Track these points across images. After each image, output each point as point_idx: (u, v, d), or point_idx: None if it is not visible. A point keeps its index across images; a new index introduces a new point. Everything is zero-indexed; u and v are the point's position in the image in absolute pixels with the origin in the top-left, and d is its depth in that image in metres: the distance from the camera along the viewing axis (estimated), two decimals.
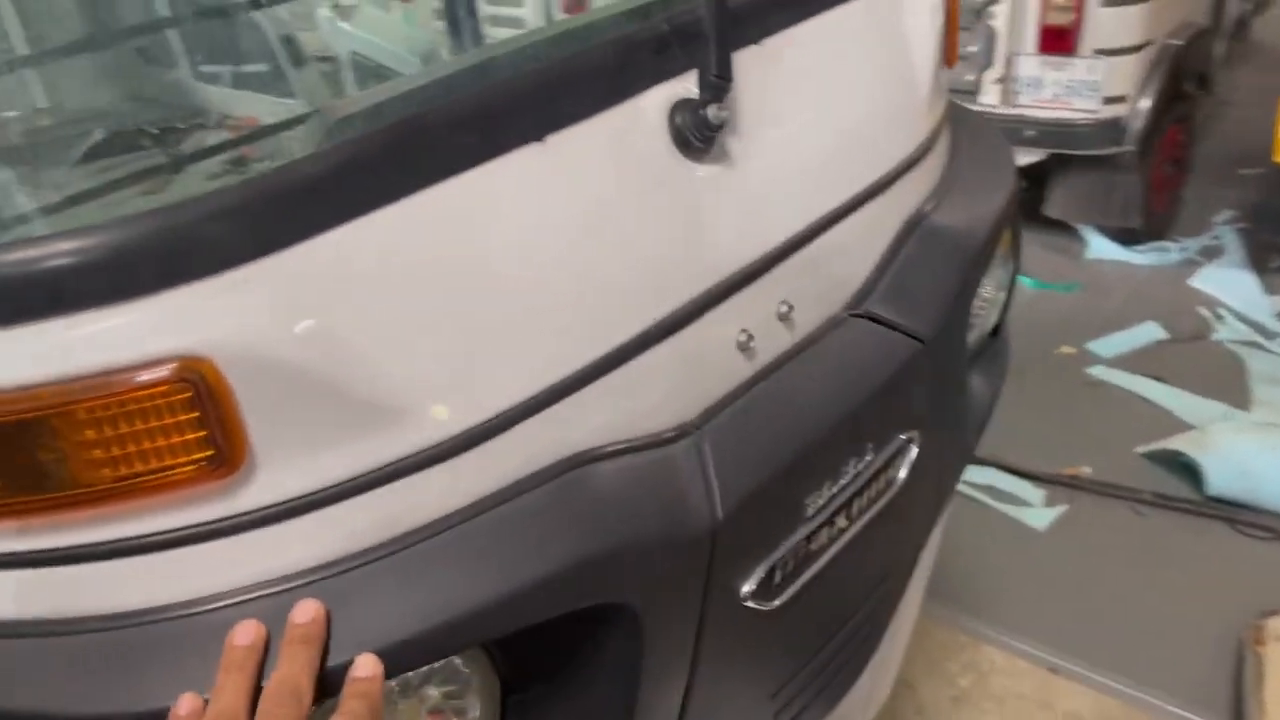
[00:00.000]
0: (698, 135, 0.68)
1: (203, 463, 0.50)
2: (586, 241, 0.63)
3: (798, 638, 0.80)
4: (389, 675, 0.56)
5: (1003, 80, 3.13)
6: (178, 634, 0.52)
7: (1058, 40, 2.99)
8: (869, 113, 0.83)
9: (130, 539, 0.51)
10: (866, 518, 0.81)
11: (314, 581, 0.54)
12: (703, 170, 0.70)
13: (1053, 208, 3.35)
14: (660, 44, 0.68)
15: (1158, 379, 2.75)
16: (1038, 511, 2.33)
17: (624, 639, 0.64)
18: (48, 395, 0.47)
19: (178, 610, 0.52)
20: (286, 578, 0.54)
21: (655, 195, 0.67)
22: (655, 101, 0.68)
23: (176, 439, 0.49)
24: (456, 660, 0.62)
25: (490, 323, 0.59)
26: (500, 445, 0.59)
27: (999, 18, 3.07)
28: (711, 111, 0.67)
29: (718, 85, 0.67)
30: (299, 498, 0.53)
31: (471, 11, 1.77)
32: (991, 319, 1.07)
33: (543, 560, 0.58)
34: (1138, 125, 3.06)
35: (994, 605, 2.08)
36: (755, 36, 0.75)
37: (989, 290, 1.05)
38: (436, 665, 0.62)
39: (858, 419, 0.77)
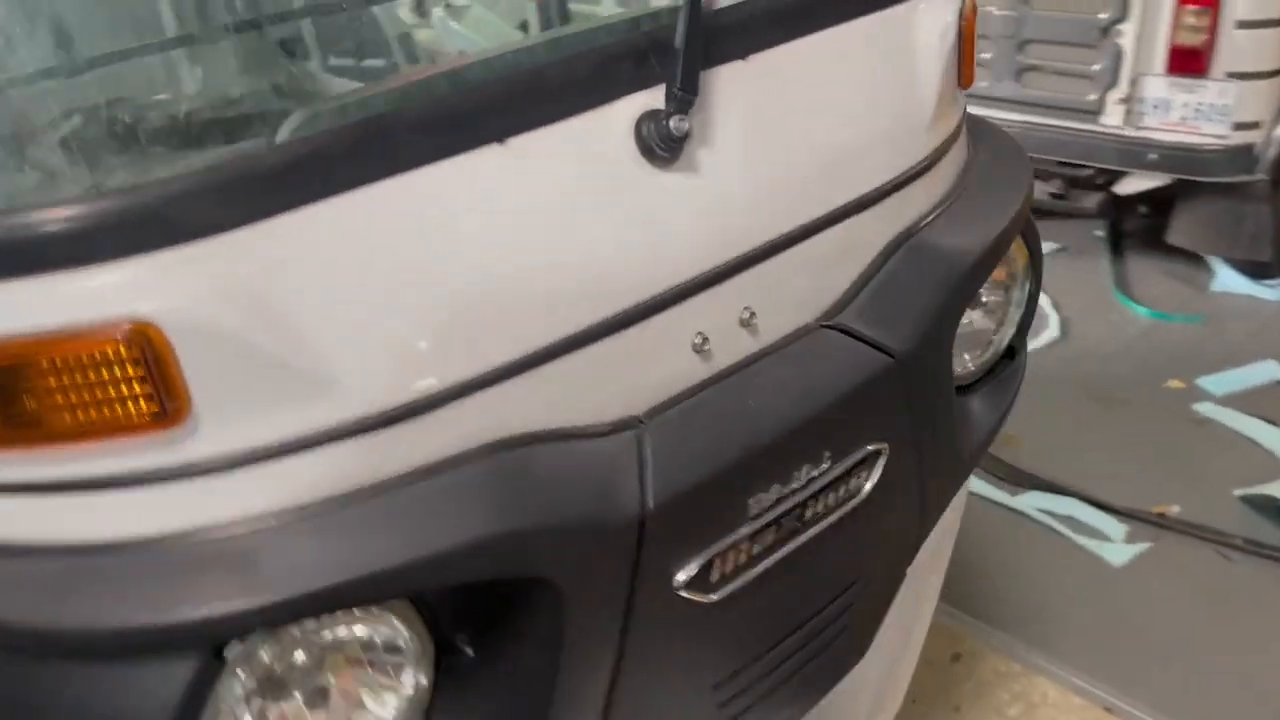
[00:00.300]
0: (661, 145, 0.72)
1: (148, 415, 0.57)
2: (537, 238, 0.68)
3: (744, 633, 0.83)
4: (317, 615, 0.62)
5: (1127, 101, 3.02)
6: (125, 566, 0.59)
7: (1188, 61, 2.88)
8: (856, 131, 0.84)
9: (87, 478, 0.58)
10: (824, 524, 0.83)
11: (250, 530, 0.60)
12: (667, 178, 0.73)
13: (1176, 235, 3.22)
14: (637, 57, 0.72)
15: (1269, 421, 2.62)
16: (1117, 547, 2.25)
17: (547, 613, 0.68)
18: (17, 346, 0.54)
19: (130, 548, 0.60)
20: (224, 524, 0.60)
21: (614, 199, 0.71)
22: (625, 111, 0.72)
23: (125, 392, 0.56)
24: (396, 623, 0.68)
25: (431, 307, 0.64)
26: (433, 422, 0.64)
27: (1126, 36, 2.96)
28: (673, 123, 0.71)
29: (682, 98, 0.71)
30: (240, 453, 0.60)
31: (564, 13, 1.84)
32: (1005, 339, 1.06)
33: (462, 529, 0.63)
34: (1271, 153, 2.91)
35: (1056, 638, 2.03)
36: (741, 52, 0.78)
37: (1002, 311, 1.05)
38: (379, 630, 0.68)
39: (814, 426, 0.79)
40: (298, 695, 0.66)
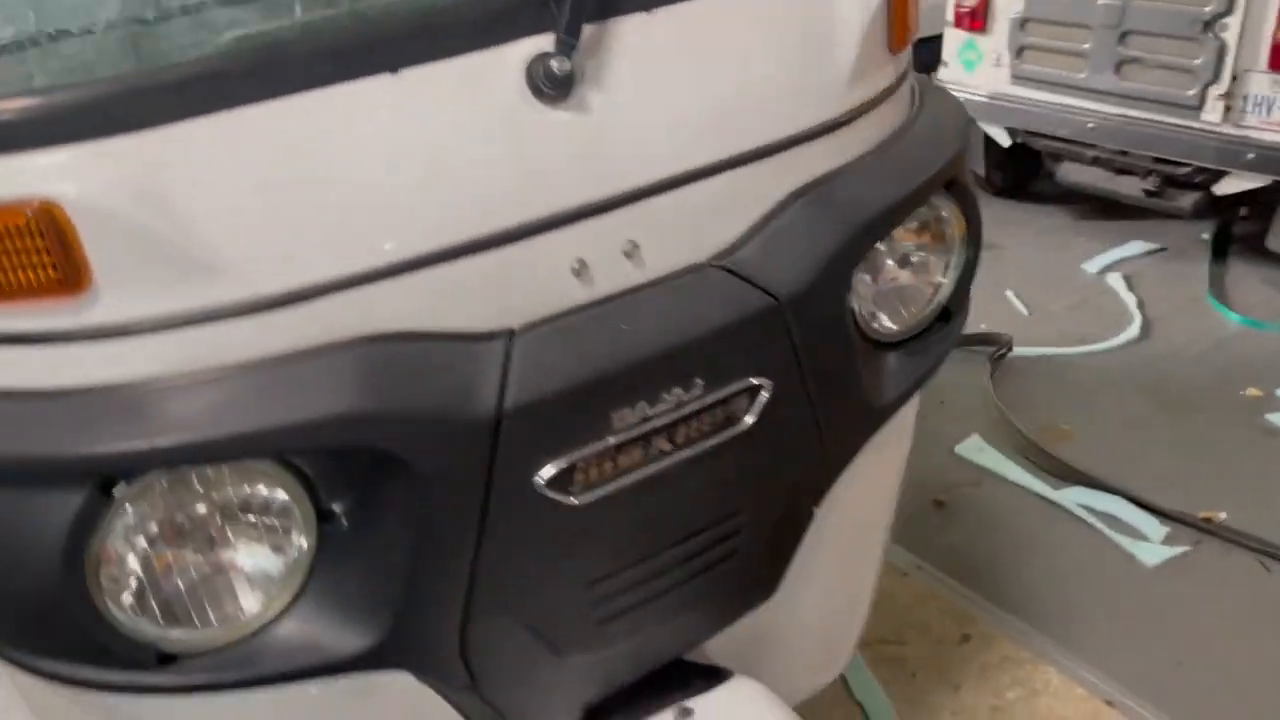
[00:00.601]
0: (547, 84, 0.79)
1: (53, 281, 0.68)
2: (421, 157, 0.77)
3: (616, 538, 0.90)
4: (195, 463, 0.73)
5: (1228, 97, 2.92)
6: (27, 408, 0.71)
7: None
8: (758, 85, 0.90)
9: (6, 333, 0.70)
10: (699, 449, 0.90)
11: (138, 387, 0.71)
12: (555, 115, 0.81)
13: (1276, 241, 3.09)
14: (538, 3, 0.80)
15: None
16: (1152, 548, 2.21)
17: (408, 492, 0.78)
18: None
19: (32, 395, 0.71)
20: (116, 382, 0.71)
21: (500, 130, 0.79)
22: (520, 52, 0.80)
23: (34, 260, 0.67)
24: (278, 488, 0.79)
25: (312, 211, 0.74)
26: (309, 311, 0.74)
27: (1230, 30, 2.86)
28: (555, 64, 0.79)
29: (565, 42, 0.78)
30: (134, 322, 0.71)
31: None
32: (939, 301, 1.10)
33: (325, 403, 0.72)
34: None
35: (1071, 629, 2.02)
36: (646, 5, 0.85)
37: (935, 273, 1.09)
38: (260, 490, 0.78)
39: (685, 354, 0.85)
40: (185, 543, 0.77)
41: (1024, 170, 3.90)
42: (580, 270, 0.83)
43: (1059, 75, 3.29)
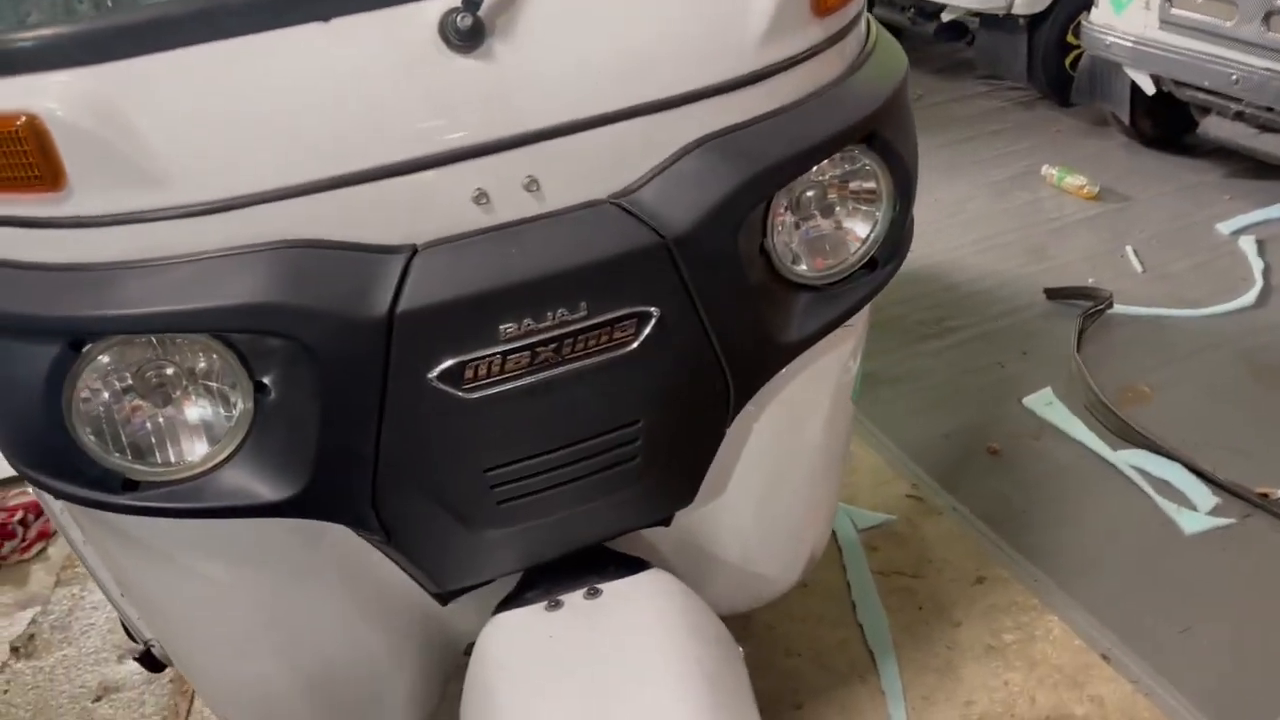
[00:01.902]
0: (455, 37, 0.93)
1: (37, 179, 0.88)
2: (341, 95, 0.92)
3: (510, 432, 1.04)
4: (142, 331, 0.93)
5: None
6: (21, 279, 0.91)
7: None
8: (665, 39, 0.98)
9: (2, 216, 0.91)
10: (589, 362, 1.03)
11: (101, 268, 0.91)
12: (463, 62, 0.94)
13: None
14: None
15: None
16: (1196, 517, 2.19)
17: (315, 373, 0.95)
18: None
19: (19, 264, 0.91)
20: (85, 263, 0.91)
21: (412, 73, 0.93)
22: (437, 7, 0.93)
23: (22, 161, 0.87)
24: (222, 364, 0.97)
25: (244, 135, 0.90)
26: (238, 218, 0.91)
27: None
28: (459, 19, 0.92)
29: (470, 2, 0.92)
30: (100, 216, 0.90)
31: None
32: (864, 252, 1.17)
33: (242, 292, 0.90)
34: None
35: (1089, 584, 2.05)
36: None
37: (863, 226, 1.17)
38: (212, 365, 0.97)
39: (571, 278, 0.97)
40: (147, 396, 0.98)
41: (1174, 121, 3.71)
42: (481, 199, 0.97)
43: (1207, 23, 3.11)
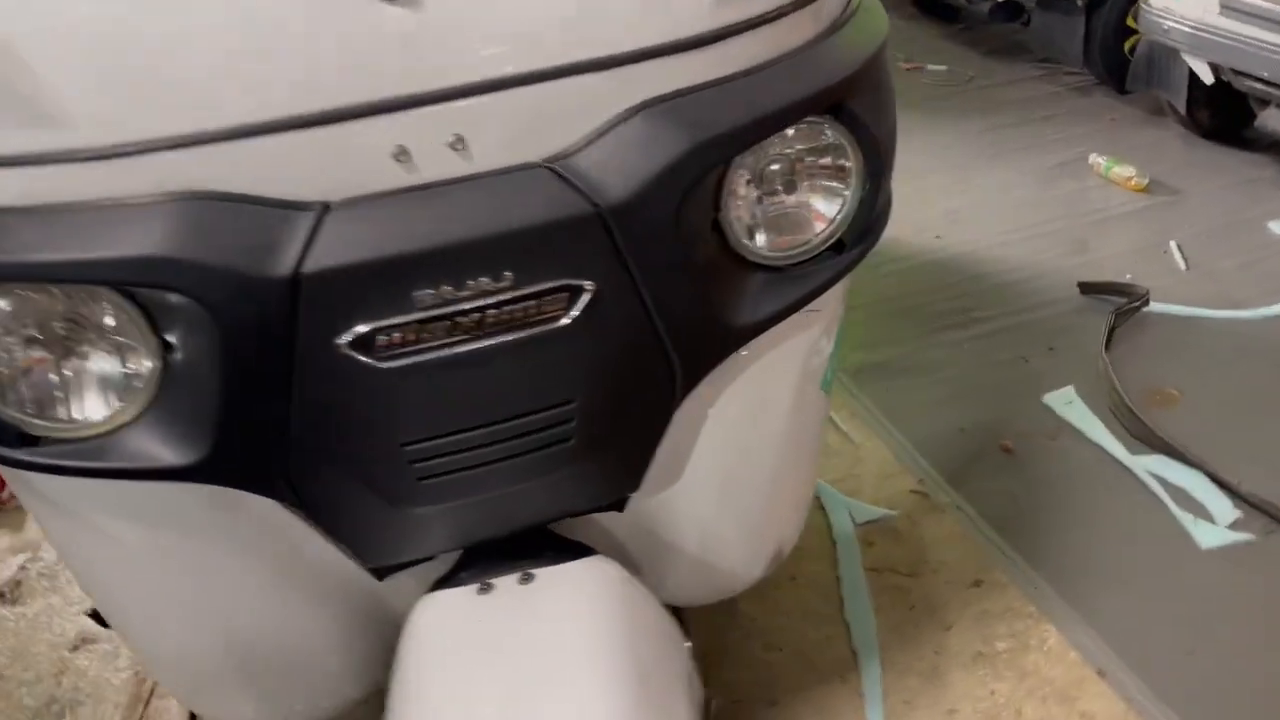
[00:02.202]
0: None
1: None
2: (252, 39, 0.86)
3: (430, 406, 0.99)
4: (35, 280, 0.88)
5: None
6: None
7: None
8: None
9: None
10: (517, 336, 0.96)
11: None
12: (389, 11, 0.88)
13: None
14: None
15: None
16: (1213, 530, 2.08)
17: (216, 334, 0.90)
18: None
19: None
20: None
21: (333, 21, 0.87)
22: None
23: None
24: (127, 320, 0.92)
25: (148, 77, 0.85)
26: (136, 165, 0.86)
27: None
28: None
29: None
30: None
31: None
32: (831, 233, 1.09)
33: (135, 243, 0.85)
34: None
35: (1091, 596, 1.95)
36: None
37: (828, 205, 1.08)
38: (116, 321, 0.92)
39: (493, 245, 0.91)
40: (49, 350, 0.93)
41: (1232, 112, 3.54)
42: (402, 156, 0.91)
43: (1269, 9, 2.94)
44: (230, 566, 1.14)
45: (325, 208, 0.90)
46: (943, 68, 4.87)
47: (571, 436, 1.07)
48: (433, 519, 1.10)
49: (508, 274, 0.94)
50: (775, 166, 1.07)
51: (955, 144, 4.01)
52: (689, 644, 1.23)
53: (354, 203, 0.91)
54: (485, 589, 1.13)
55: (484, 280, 0.93)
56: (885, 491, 2.26)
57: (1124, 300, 2.79)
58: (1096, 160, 3.66)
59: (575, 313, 0.98)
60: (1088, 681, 1.79)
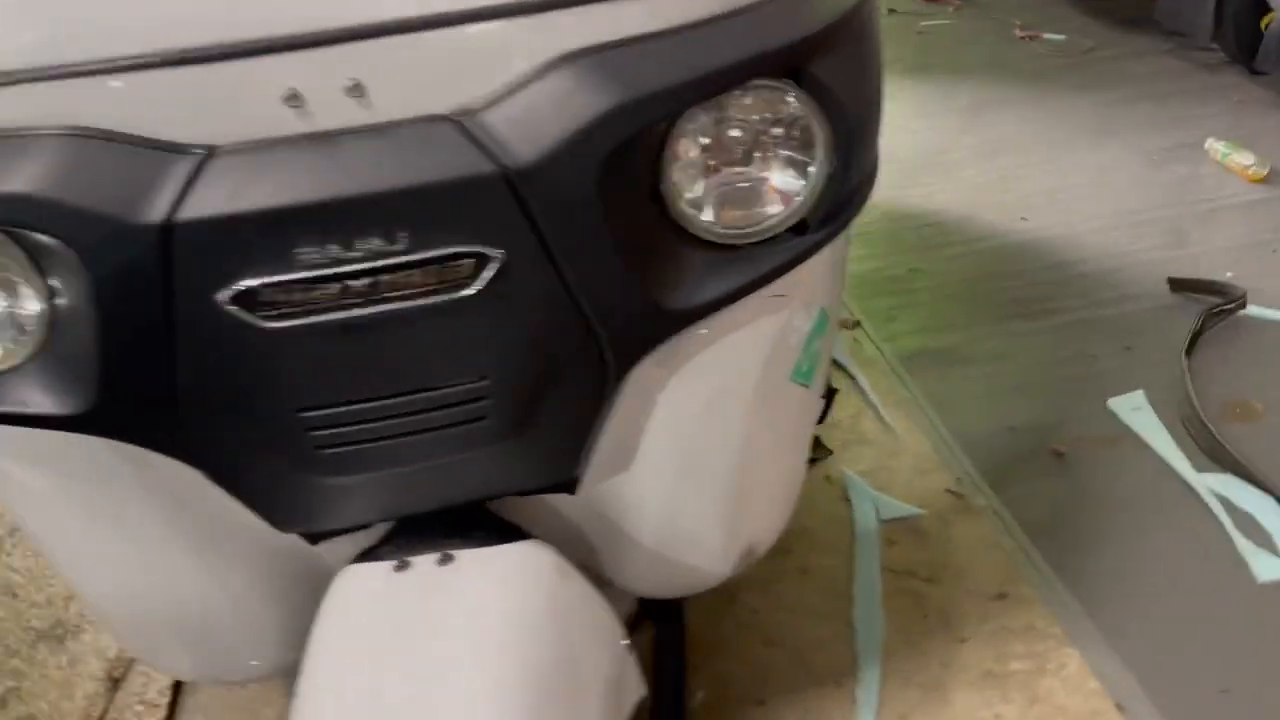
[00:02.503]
0: None
1: None
2: None
3: (326, 373, 0.92)
4: None
5: None
6: None
7: None
8: None
9: None
10: (416, 304, 0.89)
11: None
12: None
13: None
14: None
15: None
16: (1275, 562, 1.89)
17: (91, 281, 0.85)
18: None
19: None
20: None
21: None
22: None
23: None
24: (18, 257, 0.88)
25: (28, 3, 0.80)
26: (13, 96, 0.81)
27: None
28: None
29: None
30: None
31: None
32: (792, 212, 0.98)
33: (5, 180, 0.80)
34: None
35: (1124, 622, 1.80)
36: None
37: (787, 179, 0.97)
38: (11, 262, 0.88)
39: (385, 204, 0.83)
40: None
41: None
42: (294, 100, 0.84)
43: None
44: (149, 520, 1.10)
45: (210, 153, 0.83)
46: (1060, 37, 4.56)
47: (487, 415, 0.99)
48: (348, 489, 1.04)
49: (403, 236, 0.86)
50: (735, 134, 0.96)
51: (1060, 119, 3.76)
52: (627, 642, 1.15)
53: (240, 149, 0.84)
54: (402, 566, 1.07)
55: (375, 241, 0.86)
56: (918, 488, 2.12)
57: (1217, 301, 2.56)
58: (1214, 145, 3.37)
59: (481, 284, 0.90)
60: (1104, 715, 1.65)
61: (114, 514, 1.09)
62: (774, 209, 0.98)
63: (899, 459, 2.20)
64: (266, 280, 0.86)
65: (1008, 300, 2.71)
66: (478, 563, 1.07)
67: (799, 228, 1.00)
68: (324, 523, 1.08)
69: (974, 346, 2.54)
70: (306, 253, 0.85)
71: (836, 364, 2.53)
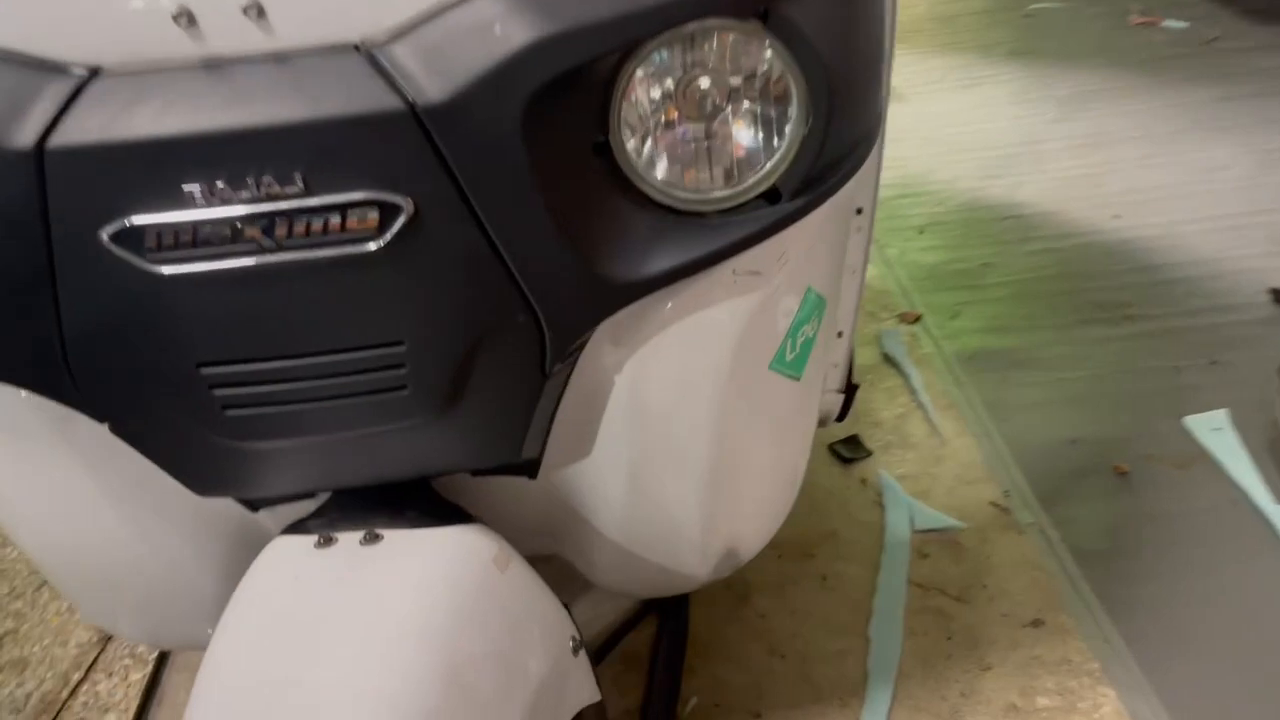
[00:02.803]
0: None
1: None
2: None
3: (223, 327, 0.83)
4: None
5: None
6: None
7: None
8: None
9: None
10: (317, 255, 0.79)
11: None
12: None
13: None
14: None
15: None
16: None
17: None
18: None
19: None
20: None
21: None
22: None
23: None
24: None
25: None
26: None
27: None
28: None
29: None
30: None
31: None
32: (762, 175, 0.85)
33: None
34: None
35: (1171, 666, 1.62)
36: None
37: (755, 139, 0.85)
38: None
39: (278, 140, 0.74)
40: None
41: None
42: (183, 19, 0.75)
43: None
44: (74, 478, 1.04)
45: (92, 75, 0.75)
46: (1182, 24, 4.25)
47: (408, 385, 0.89)
48: (268, 455, 0.96)
49: (298, 176, 0.77)
50: (701, 83, 0.84)
51: (1169, 113, 3.48)
52: (575, 642, 1.04)
53: (123, 71, 0.76)
54: (325, 542, 0.99)
55: (268, 181, 0.77)
56: (960, 499, 1.96)
57: None
58: None
59: (389, 237, 0.80)
60: None
61: (37, 470, 1.03)
62: (740, 173, 0.86)
63: (943, 465, 2.04)
64: (150, 219, 0.77)
65: (1086, 303, 2.51)
66: (405, 543, 0.98)
67: (771, 196, 0.87)
68: (245, 489, 1.00)
69: (1042, 350, 2.36)
70: (192, 188, 0.76)
71: (888, 359, 2.37)
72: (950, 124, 3.46)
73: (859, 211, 1.33)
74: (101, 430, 0.95)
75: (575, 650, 1.04)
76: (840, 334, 1.42)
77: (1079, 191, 3.04)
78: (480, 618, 0.94)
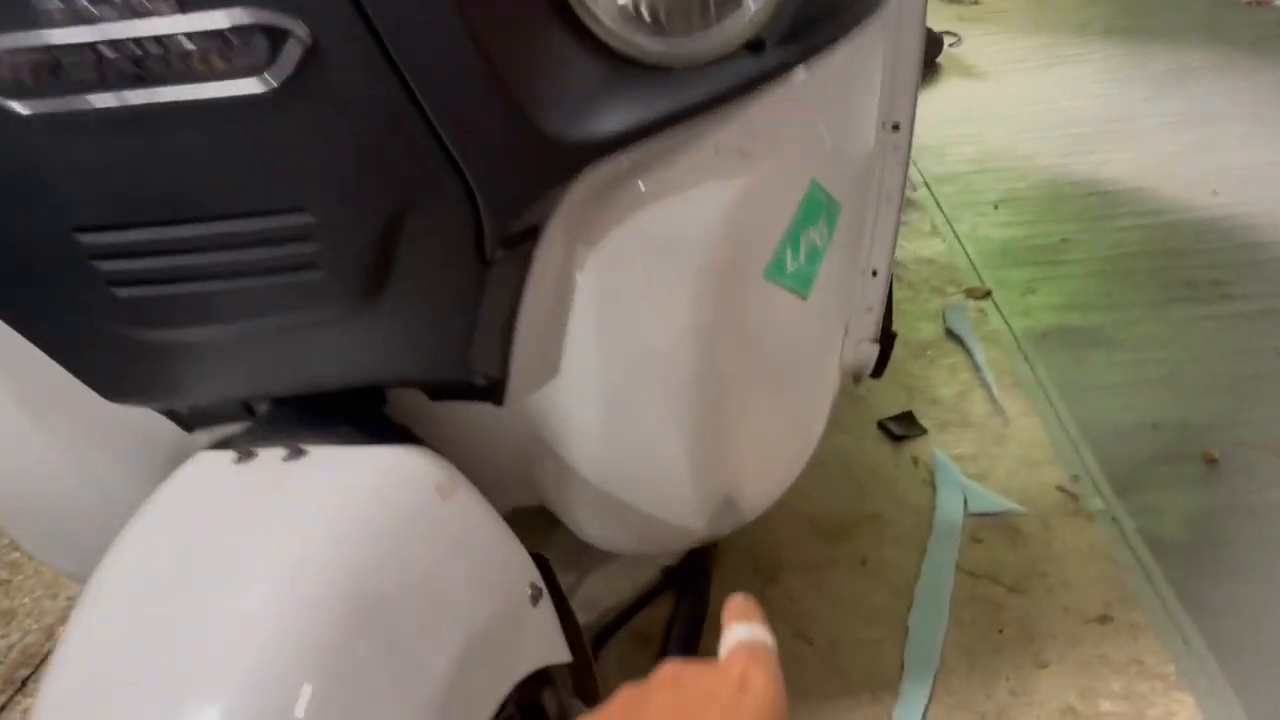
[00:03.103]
0: None
1: None
2: None
3: (99, 181, 0.71)
4: None
5: None
6: None
7: None
8: None
9: None
10: (199, 93, 0.67)
11: None
12: None
13: None
14: None
15: None
16: None
17: None
18: None
19: None
20: None
21: None
22: None
23: None
24: None
25: None
26: None
27: None
28: None
29: None
30: None
31: None
32: (742, 24, 0.70)
33: None
34: None
35: (1264, 674, 1.41)
36: None
37: None
38: None
39: None
40: None
41: None
42: None
43: None
44: None
45: None
46: None
47: (319, 263, 0.76)
48: (176, 355, 0.84)
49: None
50: None
51: (1276, 92, 3.21)
52: (536, 585, 0.90)
53: None
54: (245, 457, 0.86)
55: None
56: (1022, 482, 1.77)
57: None
58: None
59: (282, 72, 0.67)
60: None
61: None
62: (715, 17, 0.71)
63: (1005, 446, 1.85)
64: (3, 41, 0.66)
65: (1178, 280, 2.28)
66: (331, 461, 0.85)
67: (754, 46, 0.72)
68: (160, 395, 0.88)
69: (1124, 330, 2.14)
70: (50, 5, 0.64)
71: (951, 335, 2.18)
72: (1032, 101, 3.24)
73: (895, 128, 1.16)
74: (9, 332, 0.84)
75: (534, 599, 0.90)
76: (875, 272, 1.24)
77: (1173, 169, 2.80)
78: (409, 548, 0.80)
